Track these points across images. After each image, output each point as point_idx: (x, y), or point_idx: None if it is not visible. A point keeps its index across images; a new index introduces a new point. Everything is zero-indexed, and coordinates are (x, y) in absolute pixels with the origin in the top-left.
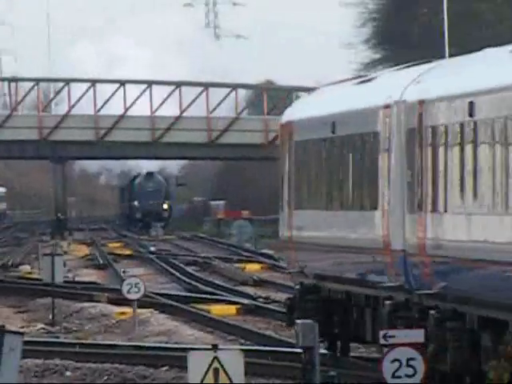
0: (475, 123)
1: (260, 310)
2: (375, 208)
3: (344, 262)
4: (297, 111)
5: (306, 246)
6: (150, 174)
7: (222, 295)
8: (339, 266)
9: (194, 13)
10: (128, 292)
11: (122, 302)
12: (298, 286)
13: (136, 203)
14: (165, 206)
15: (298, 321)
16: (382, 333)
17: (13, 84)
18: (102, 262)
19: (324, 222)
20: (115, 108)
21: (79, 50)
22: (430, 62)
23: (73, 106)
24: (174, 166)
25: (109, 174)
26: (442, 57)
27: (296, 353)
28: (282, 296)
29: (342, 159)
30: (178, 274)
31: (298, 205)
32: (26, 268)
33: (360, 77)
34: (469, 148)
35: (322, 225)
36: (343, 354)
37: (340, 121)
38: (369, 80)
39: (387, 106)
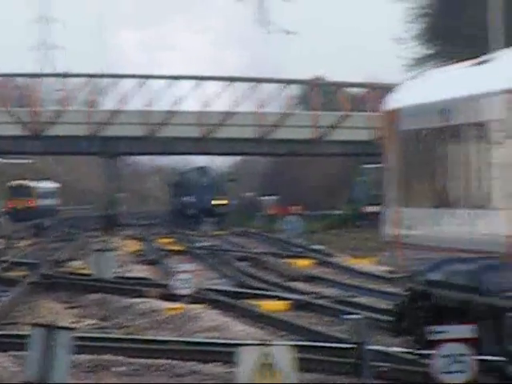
0: None
1: (311, 305)
2: (499, 207)
3: (461, 267)
4: (404, 97)
5: (416, 247)
6: (202, 169)
7: (272, 291)
8: (455, 270)
9: (245, 8)
10: (179, 288)
11: (172, 297)
12: (406, 292)
13: (189, 198)
14: (223, 202)
15: (349, 316)
16: (429, 328)
17: (65, 79)
18: (153, 257)
19: (438, 221)
20: (166, 103)
21: (130, 43)
22: None
23: (125, 102)
24: (223, 162)
25: (159, 170)
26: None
27: (348, 348)
28: (332, 291)
29: (459, 150)
30: (228, 269)
31: (407, 202)
32: (77, 263)
33: (475, 58)
34: None
35: (437, 224)
36: None
37: (456, 108)
38: (486, 61)
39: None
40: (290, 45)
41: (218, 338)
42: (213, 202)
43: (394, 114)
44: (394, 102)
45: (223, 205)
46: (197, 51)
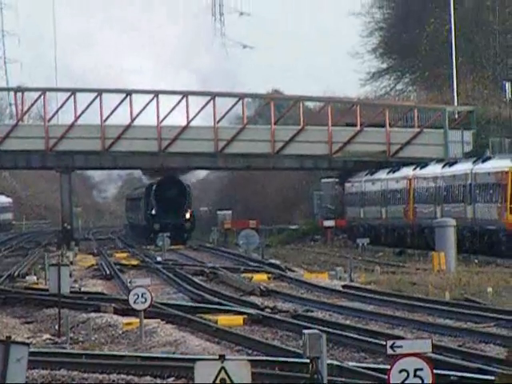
0: None
1: (267, 320)
2: None
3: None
4: None
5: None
6: (171, 178)
7: (229, 305)
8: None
9: (201, 22)
10: (135, 302)
11: (128, 312)
12: None
13: (154, 212)
14: (187, 216)
15: (305, 331)
16: (389, 343)
17: (19, 94)
18: (108, 272)
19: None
20: (121, 118)
21: (84, 59)
22: None
23: (79, 116)
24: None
25: (115, 184)
26: (449, 66)
27: (303, 363)
28: (288, 306)
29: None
30: (184, 284)
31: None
32: (33, 279)
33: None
34: None
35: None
36: None
37: None
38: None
39: None
40: (247, 59)
41: (175, 352)
42: (182, 216)
43: None
44: None
45: (188, 220)
46: (152, 67)
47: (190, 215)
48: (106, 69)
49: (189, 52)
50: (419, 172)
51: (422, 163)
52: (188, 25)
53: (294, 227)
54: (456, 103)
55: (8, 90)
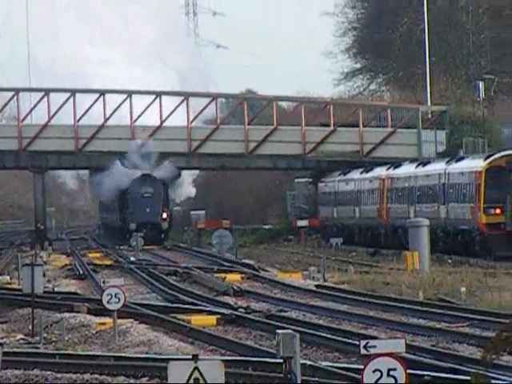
0: None
1: (240, 320)
2: None
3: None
4: None
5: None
6: (146, 176)
7: (202, 305)
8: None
9: (174, 22)
10: (108, 302)
11: (102, 312)
12: None
13: (130, 212)
14: (164, 215)
15: (279, 331)
16: (363, 342)
17: None
18: (81, 272)
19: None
20: (95, 118)
21: (57, 58)
22: None
23: (52, 116)
24: None
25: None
26: (423, 66)
27: (277, 363)
28: (262, 306)
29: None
30: (158, 284)
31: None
32: (6, 278)
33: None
34: None
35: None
36: None
37: None
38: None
39: None
40: (221, 58)
41: (148, 352)
42: (159, 215)
43: None
44: None
45: (165, 219)
46: (126, 67)
47: (167, 214)
48: (77, 65)
49: (162, 51)
50: (393, 172)
51: (395, 163)
52: (161, 24)
53: (267, 227)
54: (429, 103)
55: None
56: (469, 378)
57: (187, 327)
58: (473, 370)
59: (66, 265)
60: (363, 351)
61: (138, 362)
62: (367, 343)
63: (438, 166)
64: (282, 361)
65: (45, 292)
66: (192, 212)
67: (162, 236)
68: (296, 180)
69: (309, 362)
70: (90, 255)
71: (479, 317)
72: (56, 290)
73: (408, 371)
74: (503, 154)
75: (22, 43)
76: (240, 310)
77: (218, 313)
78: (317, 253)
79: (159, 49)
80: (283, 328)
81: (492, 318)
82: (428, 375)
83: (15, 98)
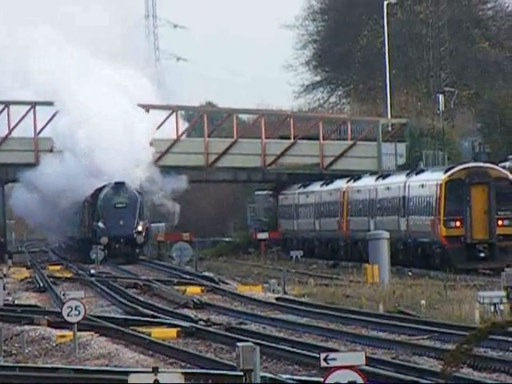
0: None
1: (200, 332)
2: None
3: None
4: None
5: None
6: (119, 185)
7: (162, 318)
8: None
9: (134, 36)
10: (68, 315)
11: (62, 325)
12: None
13: (101, 224)
14: (139, 228)
15: (239, 343)
16: (323, 355)
17: None
18: (41, 284)
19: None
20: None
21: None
22: None
23: (13, 129)
24: None
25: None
26: (383, 78)
27: (237, 375)
28: (222, 318)
29: None
30: (118, 296)
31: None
32: None
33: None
34: None
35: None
36: None
37: None
38: None
39: None
40: (181, 71)
41: (108, 365)
42: (136, 229)
43: None
44: None
45: (140, 232)
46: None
47: (143, 227)
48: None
49: (121, 64)
50: (353, 184)
51: (355, 176)
52: (123, 37)
53: (227, 239)
54: (389, 116)
55: None
56: None
57: (147, 340)
58: (433, 383)
59: (26, 277)
60: (323, 364)
61: (98, 374)
62: (327, 356)
63: (398, 179)
64: (242, 373)
65: (5, 305)
66: (152, 224)
67: (137, 251)
68: (256, 192)
69: (269, 375)
70: (50, 268)
71: (439, 329)
72: (16, 302)
73: None
74: (463, 166)
75: None
76: (200, 322)
77: (178, 325)
78: (277, 265)
79: (119, 60)
80: (243, 341)
81: (452, 331)
82: None
83: None
